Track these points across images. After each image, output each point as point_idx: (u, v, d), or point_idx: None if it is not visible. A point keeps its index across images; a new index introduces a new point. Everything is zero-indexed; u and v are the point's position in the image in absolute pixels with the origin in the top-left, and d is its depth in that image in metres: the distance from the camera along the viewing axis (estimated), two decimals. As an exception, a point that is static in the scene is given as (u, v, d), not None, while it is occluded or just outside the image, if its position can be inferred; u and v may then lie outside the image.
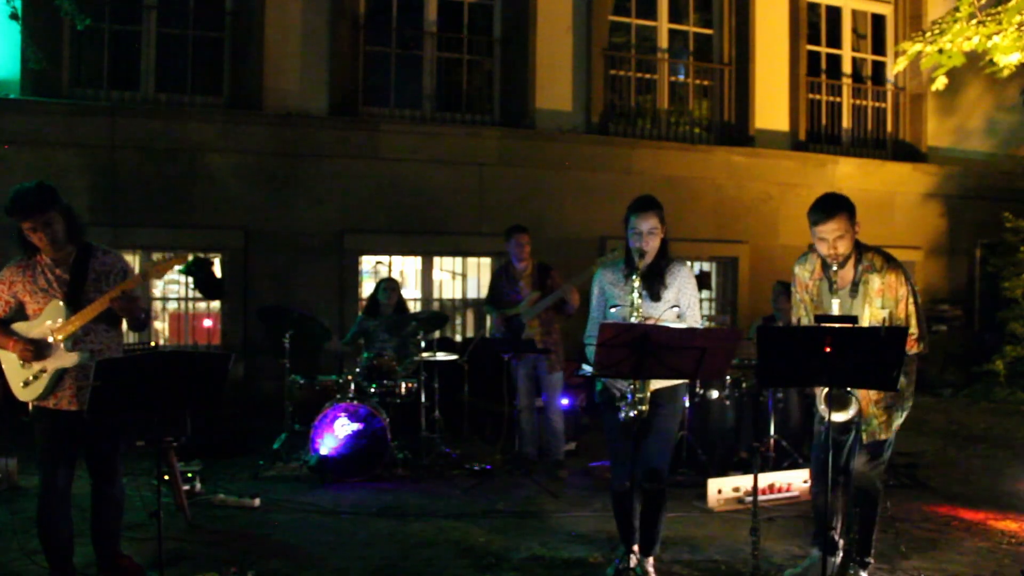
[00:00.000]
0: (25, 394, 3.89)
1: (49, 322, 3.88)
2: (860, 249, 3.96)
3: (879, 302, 3.87)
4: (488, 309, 6.87)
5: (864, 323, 3.86)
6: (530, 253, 6.73)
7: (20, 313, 3.96)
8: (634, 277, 3.98)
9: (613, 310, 4.05)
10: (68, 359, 3.86)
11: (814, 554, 4.12)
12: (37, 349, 3.84)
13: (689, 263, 4.26)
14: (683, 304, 4.10)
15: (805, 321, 4.15)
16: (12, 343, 3.86)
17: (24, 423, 4.00)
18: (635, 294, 3.97)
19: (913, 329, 3.84)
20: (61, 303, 3.89)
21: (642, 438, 3.94)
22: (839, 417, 3.79)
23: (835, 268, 3.88)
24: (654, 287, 4.05)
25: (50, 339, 3.86)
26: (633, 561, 4.00)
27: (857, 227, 3.91)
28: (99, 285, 3.95)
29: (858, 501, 4.05)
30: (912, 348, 3.85)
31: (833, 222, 3.86)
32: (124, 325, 4.13)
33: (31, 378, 3.86)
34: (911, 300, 3.87)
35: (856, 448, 4.00)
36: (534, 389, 6.75)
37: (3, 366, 3.98)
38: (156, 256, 4.14)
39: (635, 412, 3.87)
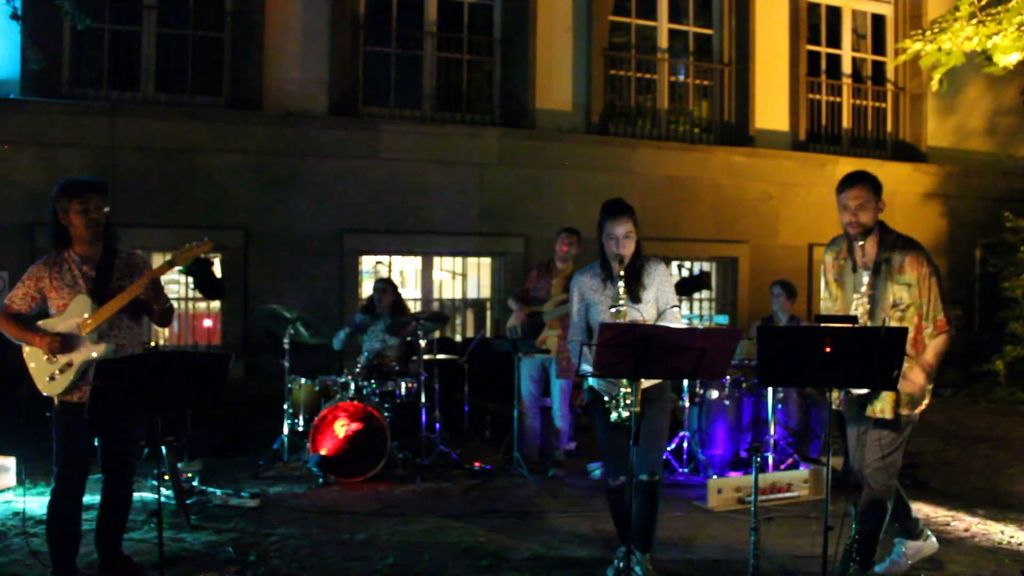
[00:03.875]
0: (51, 388, 3.93)
1: (75, 316, 3.94)
2: (885, 231, 4.04)
3: (902, 278, 3.94)
4: (519, 302, 6.81)
5: (888, 299, 3.95)
6: (574, 256, 6.71)
7: (43, 310, 4.03)
8: (619, 283, 4.00)
9: (612, 309, 4.06)
10: (95, 351, 3.91)
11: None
12: (64, 341, 3.89)
13: (664, 261, 4.32)
14: (662, 303, 4.16)
15: (829, 305, 4.20)
16: (39, 338, 3.91)
17: (44, 419, 4.03)
18: (621, 301, 3.99)
19: (939, 314, 3.94)
20: (87, 297, 3.96)
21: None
22: (860, 392, 3.93)
23: (860, 243, 3.95)
24: (634, 289, 4.09)
25: (77, 332, 3.92)
26: (632, 560, 4.00)
27: (882, 205, 3.99)
28: (123, 282, 4.03)
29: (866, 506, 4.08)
30: (941, 330, 3.93)
31: (855, 189, 3.95)
32: (145, 321, 4.23)
33: (57, 372, 3.90)
34: (934, 282, 3.96)
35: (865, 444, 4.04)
36: (540, 390, 6.76)
37: (29, 362, 4.00)
38: (165, 257, 4.16)
39: (627, 413, 3.88)
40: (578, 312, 4.24)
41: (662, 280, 4.17)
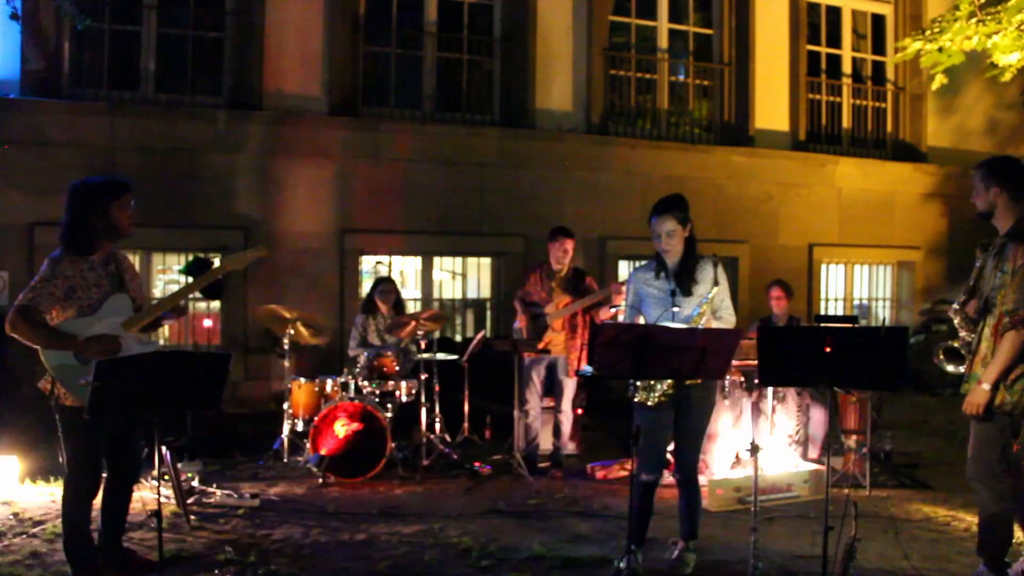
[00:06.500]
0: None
1: (115, 315, 3.95)
2: (1019, 220, 4.07)
3: (1003, 265, 3.98)
4: (523, 306, 6.83)
5: (991, 283, 4.00)
6: (571, 258, 6.72)
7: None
8: (668, 276, 4.27)
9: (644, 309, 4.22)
10: (145, 348, 3.97)
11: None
12: (109, 346, 3.88)
13: (717, 261, 4.38)
14: (716, 301, 4.28)
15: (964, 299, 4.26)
16: (81, 344, 3.82)
17: (44, 419, 4.02)
18: (674, 295, 4.22)
19: (1010, 305, 3.88)
20: (126, 296, 4.01)
21: (677, 435, 4.27)
22: (952, 368, 4.19)
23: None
24: (685, 283, 4.27)
25: (121, 332, 3.94)
26: (633, 560, 4.04)
27: (995, 191, 4.04)
28: (130, 279, 4.15)
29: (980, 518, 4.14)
30: (1015, 323, 3.87)
31: (974, 177, 4.14)
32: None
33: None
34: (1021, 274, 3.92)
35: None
36: (543, 390, 6.76)
37: (53, 367, 3.84)
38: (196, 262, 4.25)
39: (659, 397, 4.11)
40: (631, 308, 4.37)
41: (710, 277, 4.28)
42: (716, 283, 4.24)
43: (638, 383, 4.13)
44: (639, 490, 4.22)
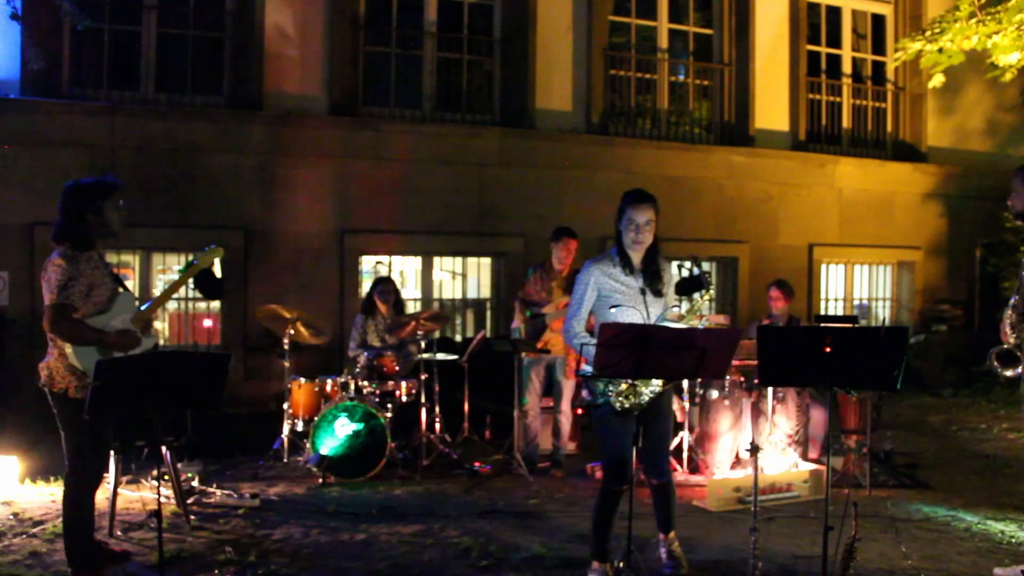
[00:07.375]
0: None
1: (125, 312, 4.09)
2: None
3: None
4: (522, 306, 6.83)
5: None
6: (573, 259, 6.71)
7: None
8: (634, 273, 4.08)
9: (613, 310, 4.03)
10: (148, 343, 4.14)
11: None
12: (134, 339, 4.05)
13: (698, 263, 4.34)
14: (669, 302, 4.22)
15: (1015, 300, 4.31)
16: (114, 337, 3.97)
17: (45, 418, 4.09)
18: (644, 294, 4.07)
19: None
20: (130, 294, 4.15)
21: (651, 442, 4.11)
22: (1011, 373, 4.15)
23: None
24: (654, 284, 4.13)
25: (132, 328, 4.09)
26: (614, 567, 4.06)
27: None
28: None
29: None
30: None
31: (1015, 176, 4.37)
32: None
33: None
34: None
35: None
36: (543, 390, 6.76)
37: (78, 363, 3.89)
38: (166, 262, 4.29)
39: (630, 403, 3.92)
40: (586, 302, 4.10)
41: (672, 281, 4.24)
42: (708, 287, 4.23)
43: (622, 386, 3.89)
44: (612, 500, 4.06)
